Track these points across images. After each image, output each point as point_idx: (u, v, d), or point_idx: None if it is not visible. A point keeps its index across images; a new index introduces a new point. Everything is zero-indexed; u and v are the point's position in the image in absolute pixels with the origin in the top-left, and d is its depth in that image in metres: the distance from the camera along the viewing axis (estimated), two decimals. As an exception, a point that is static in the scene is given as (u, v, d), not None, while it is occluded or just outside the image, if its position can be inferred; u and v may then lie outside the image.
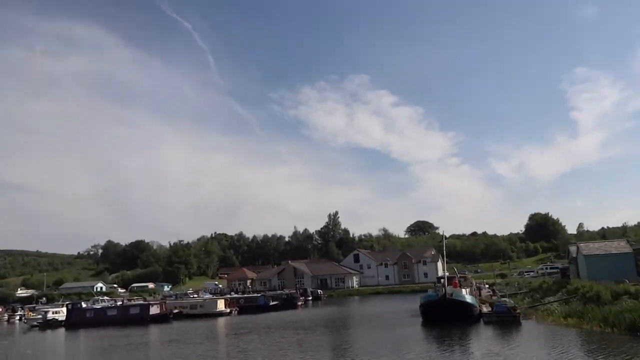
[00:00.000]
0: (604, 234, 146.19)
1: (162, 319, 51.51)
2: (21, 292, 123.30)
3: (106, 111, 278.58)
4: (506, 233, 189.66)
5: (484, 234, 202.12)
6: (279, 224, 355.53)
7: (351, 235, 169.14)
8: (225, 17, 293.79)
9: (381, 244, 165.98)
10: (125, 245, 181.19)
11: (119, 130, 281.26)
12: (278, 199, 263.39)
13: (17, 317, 75.78)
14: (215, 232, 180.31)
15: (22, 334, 51.60)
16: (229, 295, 68.89)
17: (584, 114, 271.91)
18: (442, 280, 54.55)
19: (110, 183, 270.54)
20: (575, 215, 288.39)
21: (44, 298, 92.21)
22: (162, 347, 31.41)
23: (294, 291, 79.72)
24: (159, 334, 40.71)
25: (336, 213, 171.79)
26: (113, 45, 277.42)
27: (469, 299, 32.32)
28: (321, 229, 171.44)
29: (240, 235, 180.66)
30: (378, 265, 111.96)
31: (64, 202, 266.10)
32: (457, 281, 36.25)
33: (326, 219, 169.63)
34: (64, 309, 58.62)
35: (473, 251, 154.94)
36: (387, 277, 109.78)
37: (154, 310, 52.79)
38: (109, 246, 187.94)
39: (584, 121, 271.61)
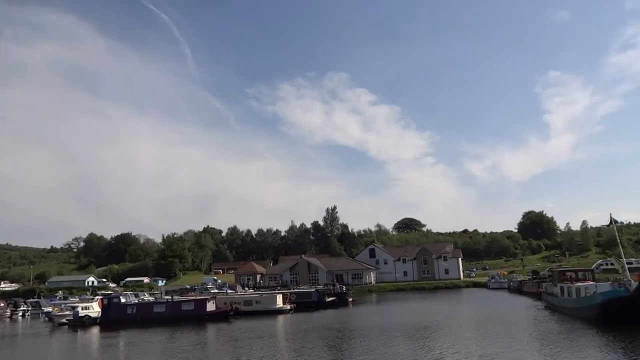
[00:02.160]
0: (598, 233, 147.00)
1: (220, 317, 45.41)
2: (4, 286, 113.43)
3: (76, 101, 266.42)
4: (487, 231, 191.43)
5: (475, 231, 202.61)
6: (254, 219, 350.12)
7: (350, 231, 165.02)
8: (204, 10, 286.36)
9: (380, 240, 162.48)
10: (111, 238, 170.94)
11: (90, 121, 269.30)
12: (253, 194, 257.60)
13: (20, 313, 67.88)
14: (207, 226, 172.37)
15: (49, 335, 43.18)
16: (285, 291, 62.50)
17: (555, 117, 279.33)
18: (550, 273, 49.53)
19: (79, 175, 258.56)
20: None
21: (60, 292, 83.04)
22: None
23: (328, 286, 74.28)
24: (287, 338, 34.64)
25: (334, 208, 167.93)
26: (86, 34, 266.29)
27: (666, 294, 27.37)
28: (313, 223, 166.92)
29: (234, 230, 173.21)
30: (395, 260, 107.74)
31: (33, 193, 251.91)
32: (640, 274, 31.03)
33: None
34: (95, 304, 51.63)
35: (475, 248, 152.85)
36: (404, 273, 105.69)
37: (210, 306, 46.62)
38: (92, 239, 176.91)
39: (556, 124, 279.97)
